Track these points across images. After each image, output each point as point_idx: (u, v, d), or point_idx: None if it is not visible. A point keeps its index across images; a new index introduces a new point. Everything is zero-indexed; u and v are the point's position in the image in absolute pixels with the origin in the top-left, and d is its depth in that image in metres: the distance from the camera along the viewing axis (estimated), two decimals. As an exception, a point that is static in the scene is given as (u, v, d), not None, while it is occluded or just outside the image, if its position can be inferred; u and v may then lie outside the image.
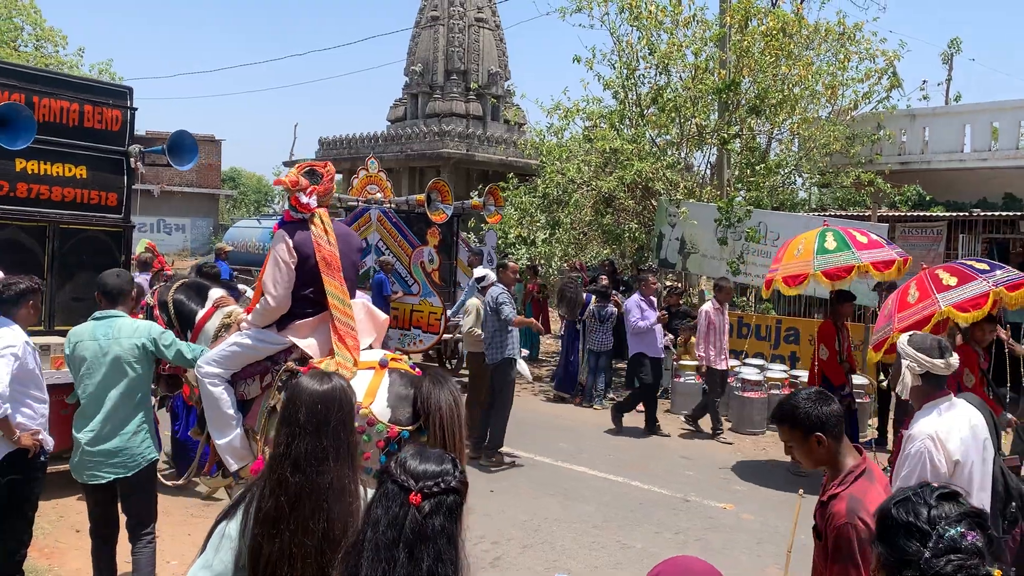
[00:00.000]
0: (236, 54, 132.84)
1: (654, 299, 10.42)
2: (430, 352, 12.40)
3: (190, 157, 6.98)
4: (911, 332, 3.78)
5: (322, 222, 4.36)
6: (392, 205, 12.63)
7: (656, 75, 14.19)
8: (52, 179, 7.14)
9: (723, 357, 9.85)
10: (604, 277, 12.67)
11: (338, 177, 32.21)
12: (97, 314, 4.69)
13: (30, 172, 7.02)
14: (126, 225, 7.53)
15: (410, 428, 3.89)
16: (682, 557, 1.89)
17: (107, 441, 4.47)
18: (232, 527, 2.28)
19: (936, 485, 1.85)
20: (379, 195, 12.81)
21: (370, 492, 2.24)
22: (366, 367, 4.12)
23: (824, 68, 14.23)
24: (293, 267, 4.29)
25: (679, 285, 13.24)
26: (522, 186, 15.49)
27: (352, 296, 4.48)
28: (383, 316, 4.71)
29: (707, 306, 9.93)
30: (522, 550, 6.13)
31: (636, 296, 10.23)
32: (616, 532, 6.58)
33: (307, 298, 4.34)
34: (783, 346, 11.61)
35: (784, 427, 2.90)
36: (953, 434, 3.33)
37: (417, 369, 4.11)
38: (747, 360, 11.08)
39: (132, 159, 7.50)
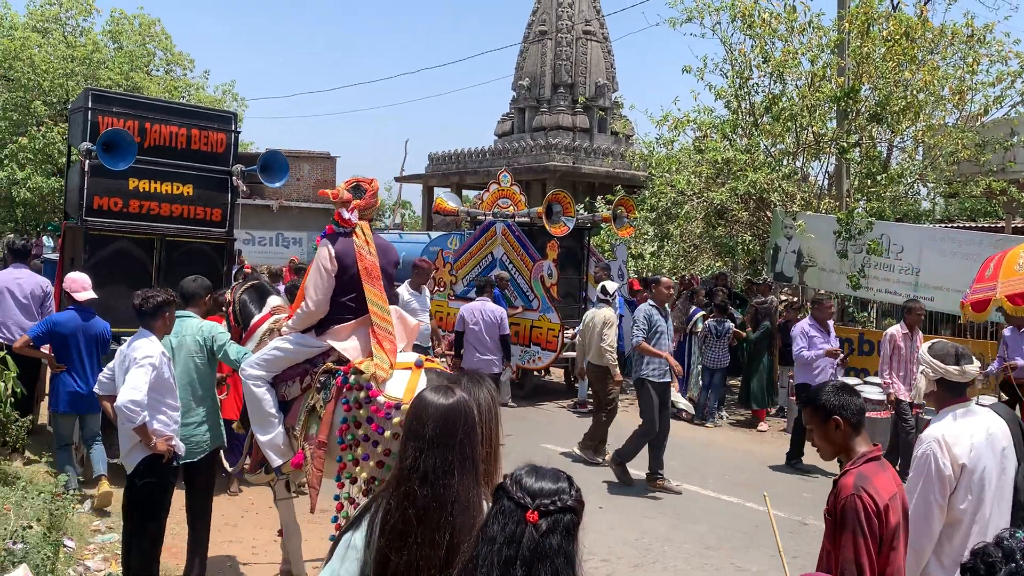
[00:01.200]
0: (351, 74, 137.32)
1: (831, 323, 9.34)
2: (549, 370, 12.11)
3: (281, 175, 7.41)
4: (934, 341, 3.76)
5: (364, 234, 4.65)
6: (515, 218, 12.51)
7: (770, 83, 13.82)
8: (161, 196, 7.84)
9: (908, 387, 8.63)
10: (720, 291, 12.30)
11: (446, 191, 32.82)
12: (183, 312, 5.21)
13: (142, 190, 7.74)
14: (228, 239, 8.14)
15: None
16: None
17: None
18: (358, 538, 2.31)
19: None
20: (511, 208, 12.66)
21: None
22: (403, 367, 4.41)
23: (951, 72, 13.54)
24: (334, 275, 4.58)
25: (796, 300, 12.78)
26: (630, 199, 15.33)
27: (390, 303, 4.75)
28: (413, 322, 4.98)
29: (894, 329, 8.81)
30: (632, 569, 6.02)
31: (806, 321, 9.27)
32: (730, 554, 6.39)
33: (346, 304, 4.61)
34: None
35: (808, 409, 3.08)
36: (963, 439, 3.33)
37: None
38: (868, 379, 10.60)
39: (235, 178, 8.09)
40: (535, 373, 12.40)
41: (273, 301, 5.36)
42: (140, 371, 4.55)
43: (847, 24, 12.73)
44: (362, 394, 4.33)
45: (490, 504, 2.24)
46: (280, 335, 4.90)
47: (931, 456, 3.32)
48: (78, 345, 6.64)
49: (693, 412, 11.05)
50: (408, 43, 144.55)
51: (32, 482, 6.62)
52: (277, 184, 7.72)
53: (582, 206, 15.93)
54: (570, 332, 11.58)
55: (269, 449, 4.76)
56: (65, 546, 5.29)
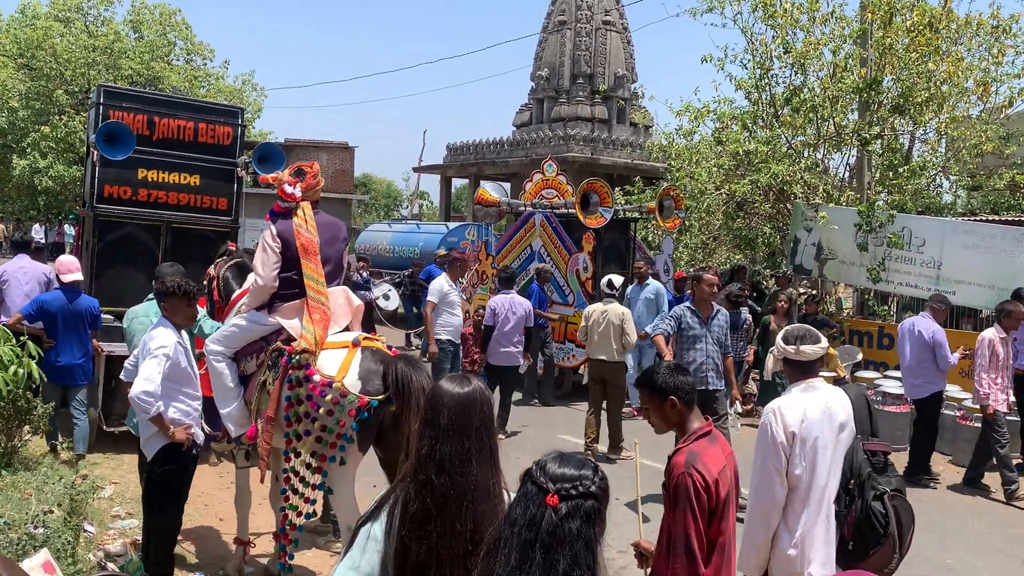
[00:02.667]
0: (370, 63, 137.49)
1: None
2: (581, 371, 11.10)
3: (276, 166, 7.66)
4: (790, 326, 4.16)
5: (304, 213, 4.97)
6: (552, 209, 11.98)
7: (792, 74, 13.69)
8: (169, 186, 8.45)
9: (1005, 396, 8.14)
10: (740, 284, 12.01)
11: (463, 182, 32.77)
12: (151, 295, 5.60)
13: (150, 180, 8.35)
14: (234, 226, 8.67)
15: (379, 398, 4.47)
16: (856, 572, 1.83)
17: None
18: (377, 528, 2.32)
19: None
20: (556, 199, 12.13)
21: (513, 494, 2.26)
22: (340, 346, 4.71)
23: (975, 64, 13.36)
24: (277, 251, 4.89)
25: (815, 292, 12.68)
26: (648, 189, 15.24)
27: (334, 282, 5.11)
28: (358, 302, 5.27)
29: (990, 333, 8.13)
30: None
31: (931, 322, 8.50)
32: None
33: (291, 279, 4.92)
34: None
35: (645, 391, 3.25)
36: (795, 411, 3.62)
37: (394, 350, 4.73)
38: (888, 372, 10.53)
39: (239, 169, 8.63)
40: (573, 371, 11.63)
41: (252, 278, 5.54)
42: (153, 361, 4.58)
43: (870, 14, 12.58)
44: (301, 372, 4.63)
45: (510, 492, 2.27)
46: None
47: (767, 425, 3.66)
48: (63, 323, 7.10)
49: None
50: (426, 33, 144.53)
51: (53, 467, 6.70)
52: (273, 175, 7.99)
53: (645, 193, 14.82)
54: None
55: (228, 420, 5.05)
56: (85, 531, 5.34)
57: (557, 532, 1.83)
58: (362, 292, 13.94)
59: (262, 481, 5.20)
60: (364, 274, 15.22)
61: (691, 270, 14.20)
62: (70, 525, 4.89)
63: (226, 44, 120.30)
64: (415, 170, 34.75)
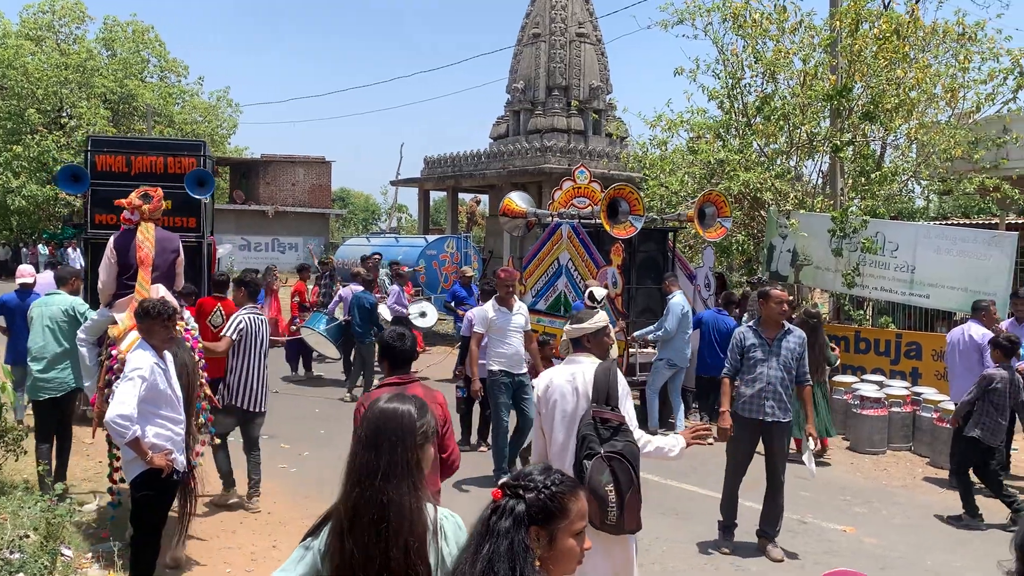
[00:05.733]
0: (345, 78, 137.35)
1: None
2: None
3: (207, 189, 8.99)
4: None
5: (146, 232, 6.14)
6: (579, 219, 11.16)
7: (763, 83, 13.85)
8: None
9: None
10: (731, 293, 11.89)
11: (442, 195, 32.75)
12: (49, 291, 7.78)
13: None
14: (201, 240, 10.08)
15: None
16: (847, 572, 1.85)
17: (47, 372, 7.20)
18: (316, 542, 2.37)
19: None
20: (589, 208, 11.29)
21: (436, 510, 2.36)
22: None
23: (943, 70, 13.58)
24: (113, 261, 6.17)
25: (792, 298, 12.77)
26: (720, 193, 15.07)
27: (161, 283, 6.20)
28: (172, 299, 6.01)
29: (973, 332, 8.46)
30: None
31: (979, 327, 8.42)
32: (730, 554, 6.39)
33: (127, 283, 6.09)
34: (904, 361, 11.08)
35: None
36: (545, 377, 4.40)
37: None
38: (865, 376, 10.63)
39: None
40: None
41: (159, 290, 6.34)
42: (128, 385, 4.55)
43: (838, 23, 12.76)
44: (113, 351, 5.66)
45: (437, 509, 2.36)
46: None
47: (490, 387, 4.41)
48: (19, 318, 8.62)
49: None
50: (402, 47, 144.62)
51: (30, 490, 6.61)
52: (202, 196, 9.30)
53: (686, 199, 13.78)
54: (647, 351, 10.50)
55: (88, 392, 6.38)
56: (63, 555, 5.28)
57: (485, 526, 1.87)
58: (396, 307, 13.68)
59: (92, 437, 6.80)
60: (396, 290, 14.21)
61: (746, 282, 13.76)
62: (47, 549, 4.83)
63: (201, 61, 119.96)
64: (393, 183, 34.70)
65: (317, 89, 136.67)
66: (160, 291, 6.00)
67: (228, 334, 6.95)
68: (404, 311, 13.79)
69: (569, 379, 4.26)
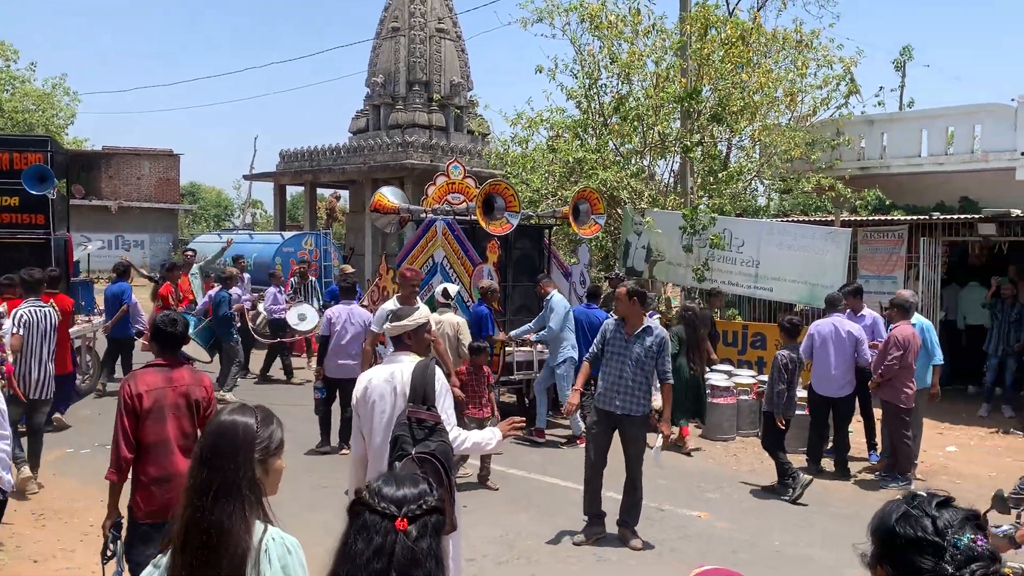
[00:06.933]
0: (194, 67, 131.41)
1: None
2: (502, 397, 10.25)
3: (48, 185, 9.16)
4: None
5: None
6: (454, 216, 10.95)
7: (618, 84, 14.25)
8: None
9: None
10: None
11: (299, 190, 31.89)
12: None
13: None
14: (48, 237, 10.32)
15: None
16: (718, 570, 1.86)
17: None
18: (164, 558, 2.28)
19: (928, 493, 1.80)
20: (464, 205, 11.19)
21: (266, 531, 2.27)
22: None
23: (783, 75, 14.39)
24: None
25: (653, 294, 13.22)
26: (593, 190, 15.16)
27: None
28: None
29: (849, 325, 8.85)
30: (497, 566, 6.05)
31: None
32: (591, 545, 6.52)
33: None
34: (750, 351, 11.69)
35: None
36: (363, 379, 4.31)
37: None
38: (715, 367, 11.12)
39: (53, 190, 10.56)
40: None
41: None
42: None
43: (688, 27, 13.29)
44: None
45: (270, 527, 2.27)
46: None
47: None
48: None
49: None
50: (254, 37, 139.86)
51: None
52: (43, 191, 9.40)
53: (555, 198, 13.86)
54: (524, 350, 10.26)
55: None
56: None
57: (412, 556, 1.78)
58: (273, 308, 13.29)
59: None
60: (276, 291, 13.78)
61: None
62: None
63: (34, 46, 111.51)
64: (246, 178, 33.52)
65: (165, 79, 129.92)
66: None
67: (13, 330, 7.35)
68: (281, 314, 13.37)
69: (388, 379, 4.21)
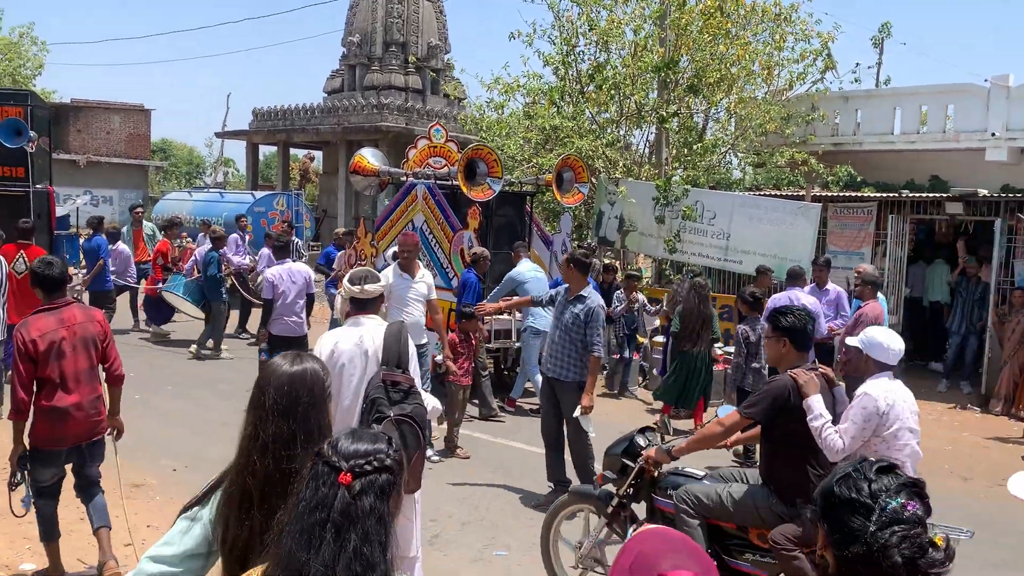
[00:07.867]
0: (167, 20, 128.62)
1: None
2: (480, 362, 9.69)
3: (24, 138, 9.28)
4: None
5: None
6: (435, 180, 10.68)
7: (596, 52, 14.17)
8: None
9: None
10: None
11: (272, 149, 31.53)
12: None
13: None
14: (27, 189, 10.34)
15: None
16: (657, 529, 1.88)
17: None
18: (205, 512, 2.26)
19: (874, 459, 1.87)
20: (445, 169, 10.92)
21: None
22: None
23: (761, 48, 14.39)
24: None
25: (616, 263, 13.25)
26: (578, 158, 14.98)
27: None
28: None
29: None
30: (460, 527, 6.12)
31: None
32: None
33: None
34: (719, 323, 11.77)
35: None
36: (328, 341, 4.25)
37: None
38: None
39: (29, 144, 10.52)
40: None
41: None
42: None
43: (667, -4, 13.21)
44: None
45: None
46: None
47: (320, 349, 4.26)
48: None
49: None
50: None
51: None
52: (24, 144, 9.51)
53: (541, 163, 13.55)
54: (502, 318, 9.90)
55: None
56: None
57: (350, 511, 1.76)
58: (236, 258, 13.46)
59: None
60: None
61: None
62: None
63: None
64: (219, 135, 33.05)
65: (137, 31, 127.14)
66: None
67: None
68: (244, 264, 13.52)
69: (358, 342, 4.21)
